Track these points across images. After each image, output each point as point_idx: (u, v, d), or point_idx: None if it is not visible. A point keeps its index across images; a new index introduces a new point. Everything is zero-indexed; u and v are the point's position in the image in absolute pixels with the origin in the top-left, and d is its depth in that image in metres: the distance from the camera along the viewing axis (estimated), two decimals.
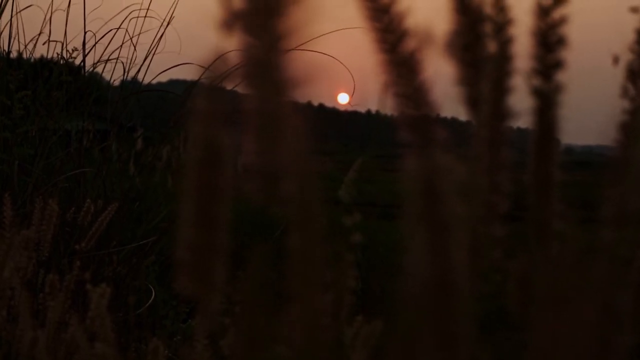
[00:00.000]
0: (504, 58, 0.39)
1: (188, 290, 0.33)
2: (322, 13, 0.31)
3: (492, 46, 0.39)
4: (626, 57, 0.41)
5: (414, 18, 0.33)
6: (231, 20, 0.32)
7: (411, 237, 0.31)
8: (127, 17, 2.67)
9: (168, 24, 2.59)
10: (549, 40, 0.39)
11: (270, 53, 0.31)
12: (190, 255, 0.33)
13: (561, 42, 0.39)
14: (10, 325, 1.20)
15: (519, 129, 0.44)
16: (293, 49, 0.32)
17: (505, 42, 0.39)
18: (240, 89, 0.32)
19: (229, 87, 0.33)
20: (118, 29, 2.63)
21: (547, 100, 0.39)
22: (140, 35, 2.63)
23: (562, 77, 0.39)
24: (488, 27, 0.39)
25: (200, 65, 0.34)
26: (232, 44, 0.32)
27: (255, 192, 0.31)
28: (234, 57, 0.32)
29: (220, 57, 0.32)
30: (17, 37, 2.57)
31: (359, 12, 0.33)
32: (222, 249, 0.33)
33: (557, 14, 0.38)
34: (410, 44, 0.33)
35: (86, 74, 2.58)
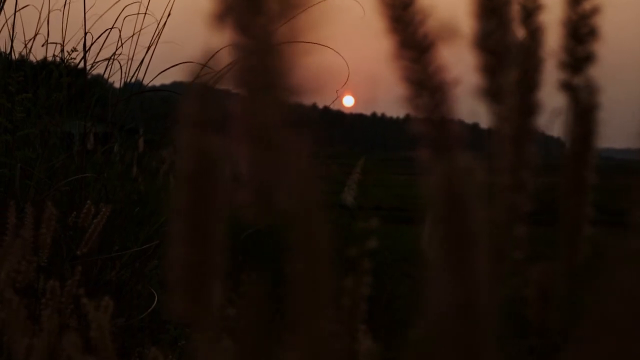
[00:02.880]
0: (533, 46, 0.37)
1: (181, 312, 0.30)
2: (323, 12, 0.28)
3: (520, 33, 0.37)
4: None
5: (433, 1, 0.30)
6: (223, 17, 0.29)
7: (434, 250, 0.28)
8: (120, 13, 2.66)
9: (166, 21, 2.57)
10: (580, 31, 0.36)
11: (265, 54, 0.29)
12: (183, 275, 0.30)
13: (592, 33, 0.36)
14: (9, 331, 1.18)
15: (543, 133, 0.42)
16: (294, 50, 0.29)
17: (535, 30, 0.37)
18: (233, 91, 0.29)
19: (221, 88, 0.31)
20: (113, 28, 2.61)
21: (579, 96, 0.37)
22: (140, 35, 2.62)
23: (594, 72, 0.37)
24: (516, 13, 0.36)
25: (199, 64, 0.31)
26: (224, 43, 0.29)
27: (251, 207, 0.28)
28: (226, 56, 0.30)
29: (211, 57, 0.29)
30: (16, 38, 2.56)
31: None
32: (218, 268, 0.30)
33: (589, 3, 0.36)
34: (425, 24, 0.30)
35: (89, 75, 2.56)
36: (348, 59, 2.52)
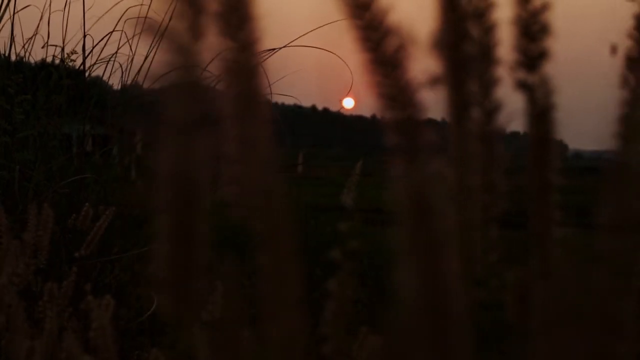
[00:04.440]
0: (488, 45, 0.37)
1: (167, 309, 0.30)
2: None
3: (475, 31, 0.37)
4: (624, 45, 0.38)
5: (398, 15, 0.32)
6: (203, 21, 0.30)
7: (402, 253, 0.29)
8: (123, 16, 2.66)
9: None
10: (532, 29, 0.37)
11: (247, 56, 0.30)
12: (169, 273, 0.31)
13: (544, 30, 0.37)
14: (9, 334, 1.18)
15: (515, 133, 0.42)
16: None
17: (488, 28, 0.37)
18: (215, 91, 0.30)
19: (203, 90, 0.31)
20: (114, 30, 2.61)
21: (535, 95, 0.37)
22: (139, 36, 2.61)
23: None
24: (470, 12, 0.37)
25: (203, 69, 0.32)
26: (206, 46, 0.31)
27: (234, 206, 0.29)
28: (207, 59, 0.31)
29: (193, 59, 0.30)
30: (15, 39, 2.56)
31: (339, 9, 0.32)
32: (201, 265, 0.31)
33: (538, 0, 0.36)
34: (394, 42, 0.31)
35: (87, 77, 2.56)
36: (351, 59, 2.52)
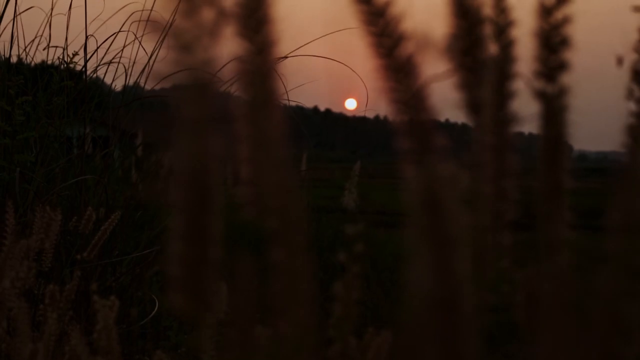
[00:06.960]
0: (506, 60, 0.38)
1: (181, 307, 0.30)
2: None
3: (493, 48, 0.38)
4: (631, 57, 0.39)
5: (411, 21, 0.33)
6: (221, 23, 0.30)
7: (415, 252, 0.30)
8: (128, 18, 2.65)
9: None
10: (552, 41, 0.37)
11: (263, 58, 0.31)
12: (182, 271, 0.31)
13: (565, 42, 0.37)
14: (10, 337, 1.17)
15: (530, 135, 0.42)
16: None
17: (507, 44, 0.38)
18: (230, 92, 0.31)
19: (218, 90, 0.31)
20: (119, 31, 2.61)
21: (553, 104, 0.37)
22: (143, 38, 2.61)
23: (570, 79, 0.38)
24: (489, 29, 0.38)
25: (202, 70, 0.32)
26: (223, 47, 0.31)
27: (247, 204, 0.30)
28: (224, 61, 0.32)
29: (209, 61, 0.31)
30: (17, 41, 2.56)
31: (354, 16, 0.32)
32: (214, 263, 0.31)
33: (560, 13, 0.37)
34: (407, 48, 0.32)
35: (88, 79, 2.55)
36: (353, 61, 2.52)
